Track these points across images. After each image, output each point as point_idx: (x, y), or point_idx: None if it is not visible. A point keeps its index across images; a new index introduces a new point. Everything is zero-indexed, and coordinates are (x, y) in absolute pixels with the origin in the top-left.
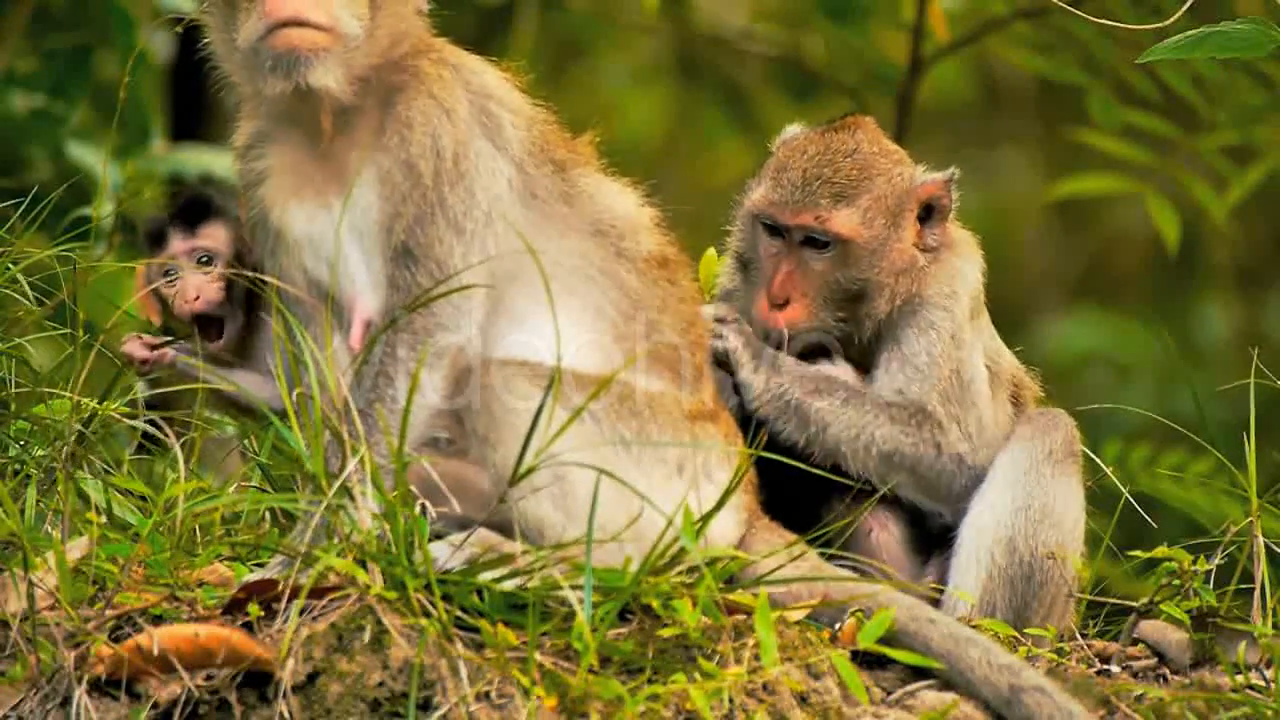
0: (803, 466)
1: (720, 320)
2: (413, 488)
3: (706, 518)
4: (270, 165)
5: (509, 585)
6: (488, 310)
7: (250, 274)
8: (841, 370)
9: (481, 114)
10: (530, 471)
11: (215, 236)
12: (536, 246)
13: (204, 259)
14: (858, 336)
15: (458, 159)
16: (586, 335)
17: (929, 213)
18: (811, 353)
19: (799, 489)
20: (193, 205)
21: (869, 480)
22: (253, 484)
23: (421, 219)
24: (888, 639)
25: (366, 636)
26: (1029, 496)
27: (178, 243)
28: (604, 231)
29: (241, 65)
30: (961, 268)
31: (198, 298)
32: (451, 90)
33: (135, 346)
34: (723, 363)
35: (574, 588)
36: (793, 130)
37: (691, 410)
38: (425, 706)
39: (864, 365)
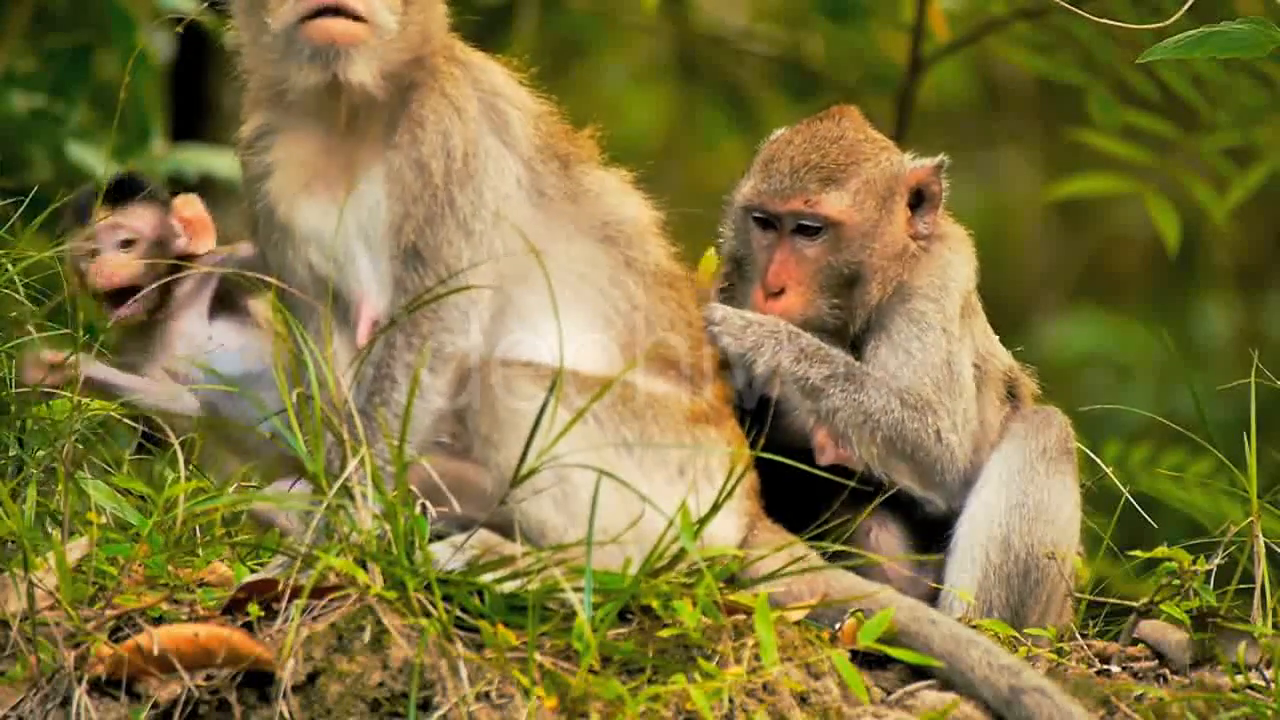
0: (803, 467)
1: (712, 321)
2: (413, 488)
3: (706, 518)
4: (278, 158)
5: (509, 586)
6: (493, 311)
7: (169, 261)
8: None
9: (490, 111)
10: (532, 473)
11: (140, 217)
12: (544, 249)
13: (126, 239)
14: (851, 327)
15: (467, 158)
16: (590, 336)
17: (919, 199)
18: None
19: (799, 490)
20: (121, 185)
21: (869, 465)
22: (253, 484)
23: (431, 220)
24: (888, 639)
25: (366, 636)
26: (1023, 494)
27: (101, 218)
28: (612, 238)
29: (272, 52)
30: (952, 260)
31: (114, 275)
32: (462, 88)
33: (31, 372)
34: (732, 355)
35: (574, 589)
36: (780, 132)
37: (693, 412)
38: (425, 706)
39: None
